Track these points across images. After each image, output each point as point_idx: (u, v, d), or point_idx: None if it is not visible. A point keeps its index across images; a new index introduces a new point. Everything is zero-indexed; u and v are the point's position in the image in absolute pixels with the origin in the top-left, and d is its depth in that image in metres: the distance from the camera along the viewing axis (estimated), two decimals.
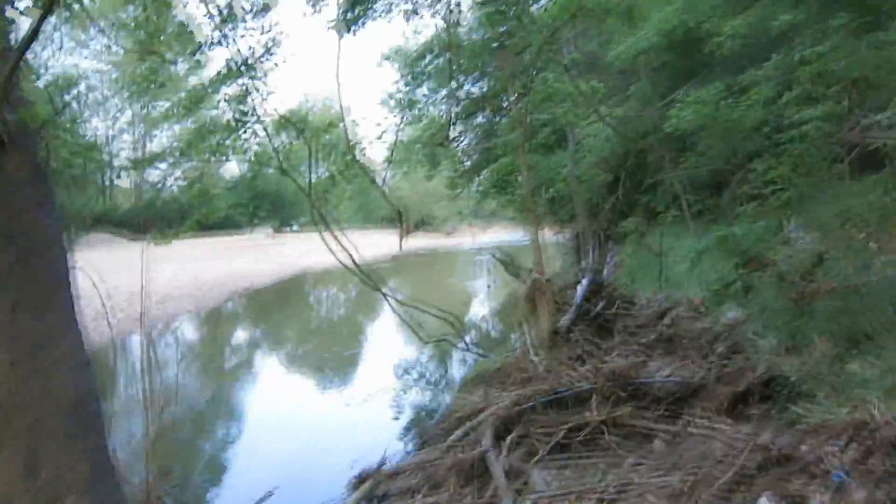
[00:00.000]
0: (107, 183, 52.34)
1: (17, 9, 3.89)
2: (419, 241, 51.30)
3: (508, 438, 4.68)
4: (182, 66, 8.54)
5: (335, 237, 8.29)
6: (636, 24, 12.69)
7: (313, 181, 8.53)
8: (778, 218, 6.52)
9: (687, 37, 14.40)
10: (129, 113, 51.24)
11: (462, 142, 27.24)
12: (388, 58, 24.73)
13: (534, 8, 13.06)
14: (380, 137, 19.49)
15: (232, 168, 61.53)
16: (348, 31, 10.99)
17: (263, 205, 61.27)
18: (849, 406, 3.91)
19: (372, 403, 8.71)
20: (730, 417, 4.89)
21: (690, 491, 3.49)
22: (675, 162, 13.62)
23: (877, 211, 5.56)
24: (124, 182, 54.06)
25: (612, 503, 3.73)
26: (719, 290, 6.14)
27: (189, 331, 16.07)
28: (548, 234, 25.38)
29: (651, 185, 15.66)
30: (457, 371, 10.00)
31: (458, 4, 11.77)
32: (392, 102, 23.79)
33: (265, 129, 7.82)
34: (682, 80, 15.08)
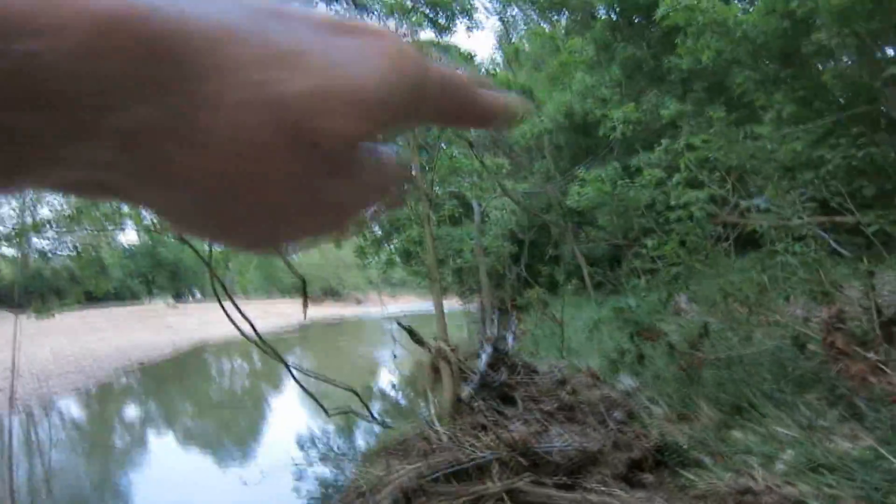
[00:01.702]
0: None
1: None
2: (328, 310, 50.53)
3: None
4: None
5: (236, 307, 8.07)
6: (537, 105, 13.44)
7: (214, 249, 8.33)
8: (668, 291, 6.92)
9: (585, 118, 15.39)
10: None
11: (371, 210, 27.42)
12: None
13: None
14: None
15: (131, 235, 59.31)
16: None
17: (163, 273, 58.83)
18: (733, 472, 4.11)
19: (272, 481, 8.36)
20: (626, 483, 5.02)
21: None
22: (576, 235, 14.25)
23: (755, 287, 6.00)
24: (10, 250, 50.55)
25: None
26: (615, 358, 6.38)
27: (75, 409, 14.97)
28: (456, 304, 25.66)
29: (553, 257, 16.27)
30: (363, 440, 9.80)
31: None
32: None
33: None
34: (583, 158, 16.02)
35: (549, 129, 16.38)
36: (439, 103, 0.33)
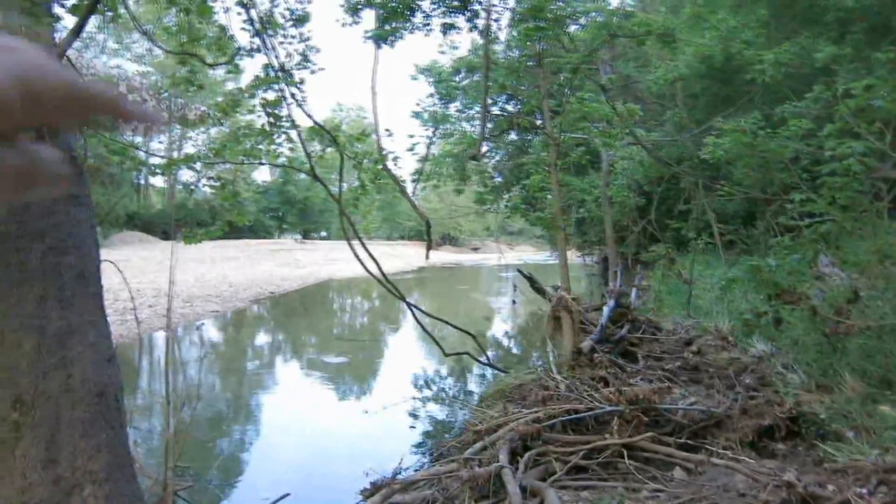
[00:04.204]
0: (141, 182, 53.16)
1: (63, 6, 3.98)
2: (445, 255, 51.41)
3: (526, 456, 4.60)
4: (220, 71, 8.67)
5: (363, 245, 8.30)
6: (675, 49, 12.65)
7: (343, 189, 8.57)
8: (812, 251, 6.40)
9: (726, 64, 14.33)
10: (166, 115, 52.40)
11: (493, 158, 27.34)
12: (422, 71, 24.95)
13: (572, 28, 13.08)
14: (411, 150, 19.65)
15: (262, 174, 62.63)
16: (385, 42, 11.10)
17: (292, 211, 61.98)
18: (879, 449, 3.79)
19: (390, 413, 8.68)
20: (754, 451, 4.77)
21: None
22: (709, 189, 13.48)
23: None
24: (159, 182, 55.01)
25: None
26: (749, 320, 6.01)
27: (214, 331, 16.19)
28: (573, 256, 25.28)
29: (682, 212, 15.53)
30: (475, 386, 9.95)
31: (497, 20, 11.83)
32: (425, 116, 23.99)
33: (299, 135, 7.91)
34: (719, 108, 15.00)
35: (685, 76, 15.43)
36: (62, 105, 0.38)
